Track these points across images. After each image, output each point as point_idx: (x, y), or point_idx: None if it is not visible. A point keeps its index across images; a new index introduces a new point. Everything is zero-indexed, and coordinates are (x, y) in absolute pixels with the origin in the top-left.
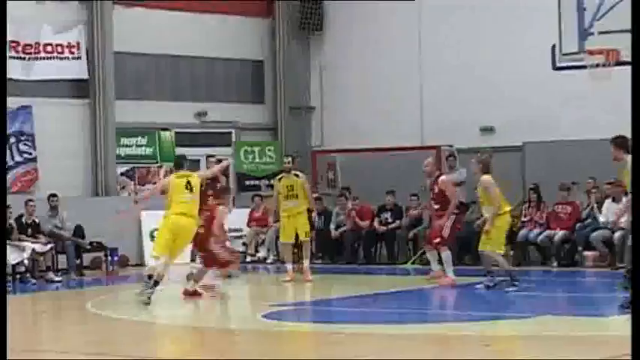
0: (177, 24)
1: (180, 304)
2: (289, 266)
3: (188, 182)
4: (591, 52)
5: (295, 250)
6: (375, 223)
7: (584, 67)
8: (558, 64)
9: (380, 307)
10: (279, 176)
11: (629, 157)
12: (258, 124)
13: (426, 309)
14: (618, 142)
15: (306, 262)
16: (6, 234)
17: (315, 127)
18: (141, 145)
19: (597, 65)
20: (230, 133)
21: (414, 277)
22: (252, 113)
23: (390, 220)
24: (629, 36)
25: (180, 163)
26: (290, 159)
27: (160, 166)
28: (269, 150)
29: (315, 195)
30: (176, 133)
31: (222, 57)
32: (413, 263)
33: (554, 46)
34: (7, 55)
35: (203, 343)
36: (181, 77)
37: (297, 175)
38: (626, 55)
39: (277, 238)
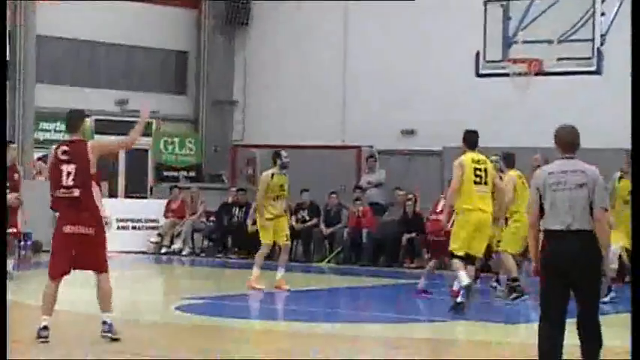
0: (101, 10)
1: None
2: (258, 271)
3: None
4: (514, 61)
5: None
6: (292, 221)
7: (506, 75)
8: (481, 71)
9: (292, 305)
10: (270, 172)
11: (512, 173)
12: (179, 115)
13: (338, 309)
14: (505, 157)
15: (282, 271)
16: None
17: (237, 122)
18: (60, 131)
19: (519, 74)
20: (150, 123)
21: (329, 276)
22: (173, 104)
23: (307, 217)
24: (552, 46)
25: None
26: (286, 153)
27: None
28: (189, 142)
29: (236, 188)
30: (96, 120)
31: (146, 46)
32: (329, 262)
33: (478, 53)
34: None
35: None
36: (104, 64)
37: (285, 174)
38: (548, 65)
39: (194, 230)
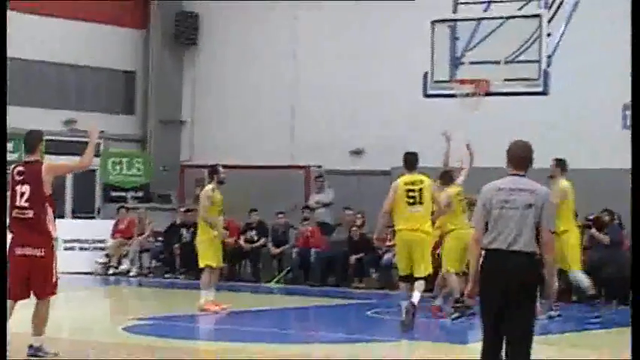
0: (49, 30)
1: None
2: (212, 294)
3: None
4: (462, 82)
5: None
6: (241, 241)
7: (454, 95)
8: (429, 92)
9: (241, 326)
10: (210, 187)
11: (449, 190)
12: (127, 135)
13: (287, 329)
14: (441, 175)
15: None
16: None
17: (185, 141)
18: (11, 152)
19: (467, 94)
20: (99, 143)
21: (278, 296)
22: (121, 124)
23: (255, 237)
24: (499, 67)
25: None
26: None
27: None
28: (137, 162)
29: (184, 208)
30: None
31: (94, 66)
32: (277, 282)
33: (426, 74)
34: None
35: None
36: (51, 84)
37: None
38: (496, 85)
39: (142, 251)
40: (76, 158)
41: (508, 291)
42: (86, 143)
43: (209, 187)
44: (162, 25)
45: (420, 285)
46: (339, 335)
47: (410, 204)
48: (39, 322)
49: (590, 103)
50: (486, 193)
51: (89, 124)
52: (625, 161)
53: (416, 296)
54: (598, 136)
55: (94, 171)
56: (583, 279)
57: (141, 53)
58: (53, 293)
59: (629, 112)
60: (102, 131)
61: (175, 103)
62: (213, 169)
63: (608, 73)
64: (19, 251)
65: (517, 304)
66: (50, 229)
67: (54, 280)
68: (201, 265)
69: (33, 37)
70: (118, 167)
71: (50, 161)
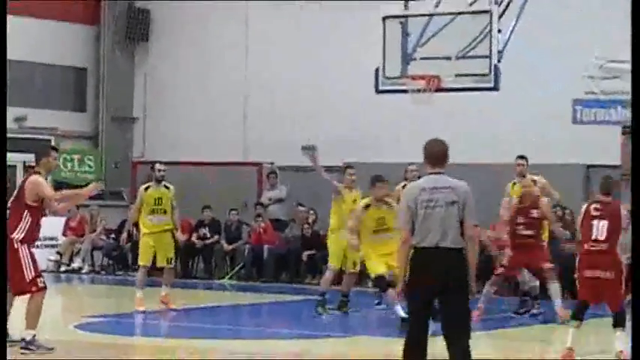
0: None
1: None
2: (140, 293)
3: None
4: (413, 78)
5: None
6: (194, 238)
7: (405, 91)
8: (381, 88)
9: (193, 322)
10: (146, 185)
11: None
12: (78, 131)
13: (240, 325)
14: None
15: (167, 290)
16: None
17: (137, 138)
18: None
19: (419, 90)
20: (49, 140)
21: (231, 293)
22: (73, 121)
23: (207, 234)
24: (450, 63)
25: None
26: (162, 167)
27: None
28: (88, 159)
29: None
30: None
31: (44, 62)
32: (230, 278)
33: (377, 69)
34: None
35: None
36: None
37: (167, 187)
38: (447, 81)
39: (94, 248)
40: (49, 189)
41: (439, 287)
42: (37, 140)
43: (143, 186)
44: (113, 22)
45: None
46: (293, 331)
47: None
48: (28, 317)
49: (539, 98)
50: (410, 194)
51: (94, 183)
52: (576, 156)
53: None
54: (549, 131)
55: None
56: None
57: (92, 50)
58: (30, 290)
59: (579, 107)
60: (52, 128)
61: (127, 99)
62: (151, 167)
63: (559, 67)
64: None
65: (451, 298)
66: (11, 231)
67: (26, 277)
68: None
69: None
70: (69, 164)
71: (41, 179)
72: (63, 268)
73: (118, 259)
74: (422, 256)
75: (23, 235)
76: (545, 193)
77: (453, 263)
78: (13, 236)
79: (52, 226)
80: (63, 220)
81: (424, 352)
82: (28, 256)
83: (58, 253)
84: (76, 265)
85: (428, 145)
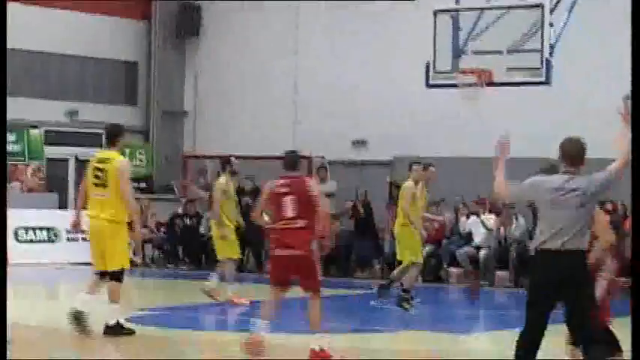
0: (51, 21)
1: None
2: (234, 286)
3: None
4: (464, 72)
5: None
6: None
7: (456, 86)
8: (431, 82)
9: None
10: (224, 179)
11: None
12: (130, 126)
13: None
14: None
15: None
16: None
17: (188, 132)
18: (8, 142)
19: (469, 85)
20: (101, 134)
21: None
22: (124, 115)
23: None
24: (501, 57)
25: None
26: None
27: (28, 165)
28: (140, 153)
29: (186, 198)
30: (45, 131)
31: (96, 57)
32: None
33: (428, 64)
34: None
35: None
36: (53, 75)
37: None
38: (498, 75)
39: (145, 241)
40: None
41: (564, 290)
42: (88, 134)
43: (222, 179)
44: (164, 17)
45: None
46: (348, 325)
47: None
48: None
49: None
50: (538, 186)
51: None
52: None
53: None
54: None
55: None
56: None
57: (143, 44)
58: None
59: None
60: (104, 122)
61: (178, 94)
62: (225, 160)
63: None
64: None
65: (573, 294)
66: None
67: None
68: (220, 257)
69: (35, 29)
70: None
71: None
72: None
73: (169, 252)
74: (546, 258)
75: None
76: None
77: (577, 264)
78: None
79: None
80: None
81: (536, 352)
82: None
83: None
84: None
85: (564, 144)
